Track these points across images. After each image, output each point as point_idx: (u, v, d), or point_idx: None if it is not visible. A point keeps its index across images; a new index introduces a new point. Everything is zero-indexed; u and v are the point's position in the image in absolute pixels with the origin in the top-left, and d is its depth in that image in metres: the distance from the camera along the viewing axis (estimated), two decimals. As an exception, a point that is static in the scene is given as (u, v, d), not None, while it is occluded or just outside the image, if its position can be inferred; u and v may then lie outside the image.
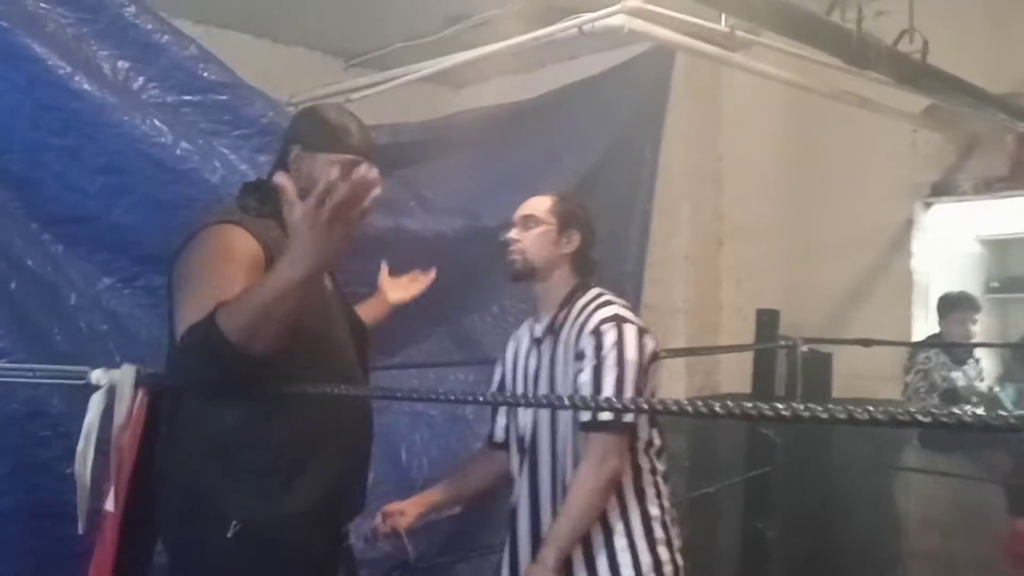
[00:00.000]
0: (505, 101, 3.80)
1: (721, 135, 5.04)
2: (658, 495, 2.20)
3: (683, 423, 4.59)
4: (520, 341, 2.41)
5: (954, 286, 4.77)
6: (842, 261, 4.60)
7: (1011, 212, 4.99)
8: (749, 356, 4.53)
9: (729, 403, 1.21)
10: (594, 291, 2.27)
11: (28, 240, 2.31)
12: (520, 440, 2.29)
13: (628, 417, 2.06)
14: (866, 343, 3.85)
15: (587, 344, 2.11)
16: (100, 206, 2.37)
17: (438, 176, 3.26)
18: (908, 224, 4.60)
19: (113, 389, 1.78)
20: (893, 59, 3.04)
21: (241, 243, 1.81)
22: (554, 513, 2.14)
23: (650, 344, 2.15)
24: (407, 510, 2.35)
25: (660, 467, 2.23)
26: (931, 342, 4.29)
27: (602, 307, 2.18)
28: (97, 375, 1.81)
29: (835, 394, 4.26)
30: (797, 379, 3.95)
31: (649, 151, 4.11)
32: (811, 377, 3.98)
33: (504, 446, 2.40)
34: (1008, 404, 4.51)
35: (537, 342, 2.29)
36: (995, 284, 6.25)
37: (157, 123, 2.35)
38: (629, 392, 2.04)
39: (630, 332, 2.10)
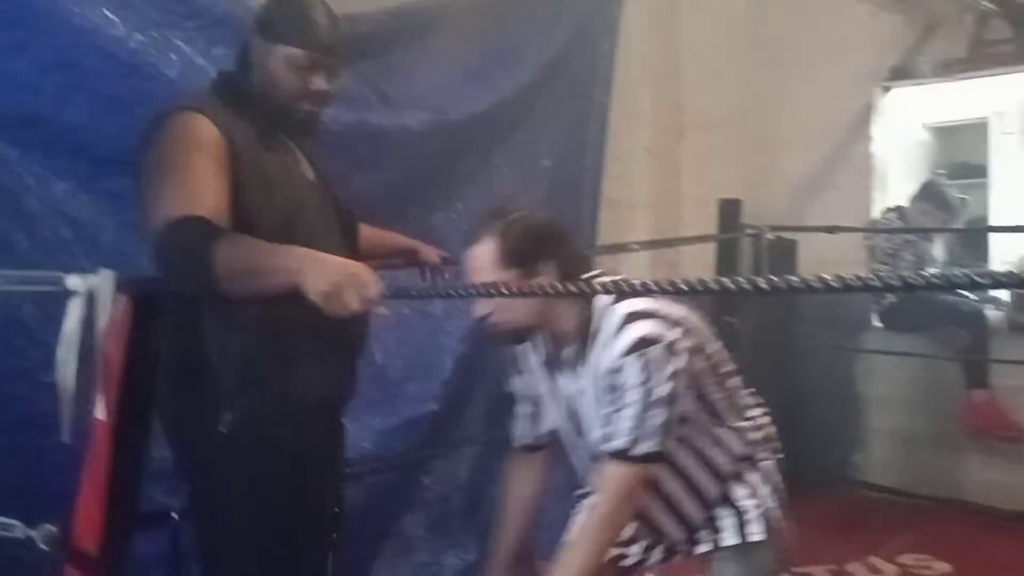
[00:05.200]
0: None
1: (680, 26, 4.96)
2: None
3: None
4: (538, 364, 2.02)
5: (906, 173, 4.82)
6: (803, 148, 4.61)
7: (963, 98, 5.02)
8: (712, 247, 4.55)
9: (699, 278, 1.19)
10: (612, 308, 1.83)
11: (-19, 144, 2.20)
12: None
13: (646, 448, 1.78)
14: (831, 230, 3.89)
15: (612, 380, 1.80)
16: (52, 106, 2.26)
17: (399, 69, 3.16)
18: (868, 109, 4.62)
19: (92, 295, 1.73)
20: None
21: (204, 130, 1.77)
22: None
23: (681, 350, 1.79)
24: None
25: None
26: (893, 228, 4.32)
27: (623, 329, 1.79)
28: (74, 281, 1.75)
29: (799, 281, 4.32)
30: (762, 268, 3.98)
31: (606, 43, 4.04)
32: (776, 265, 4.02)
33: (539, 447, 2.11)
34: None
35: (564, 366, 1.94)
36: (941, 171, 6.35)
37: (108, 14, 2.23)
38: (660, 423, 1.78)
39: (655, 356, 1.76)
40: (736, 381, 2.00)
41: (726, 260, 4.18)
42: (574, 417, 1.94)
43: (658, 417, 1.76)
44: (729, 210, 4.54)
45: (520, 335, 1.92)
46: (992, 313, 4.45)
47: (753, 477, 1.99)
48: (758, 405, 2.08)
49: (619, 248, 4.02)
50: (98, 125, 2.28)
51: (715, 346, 1.95)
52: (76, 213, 2.33)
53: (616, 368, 1.77)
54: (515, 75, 3.55)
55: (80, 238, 2.32)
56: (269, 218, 1.80)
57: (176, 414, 1.85)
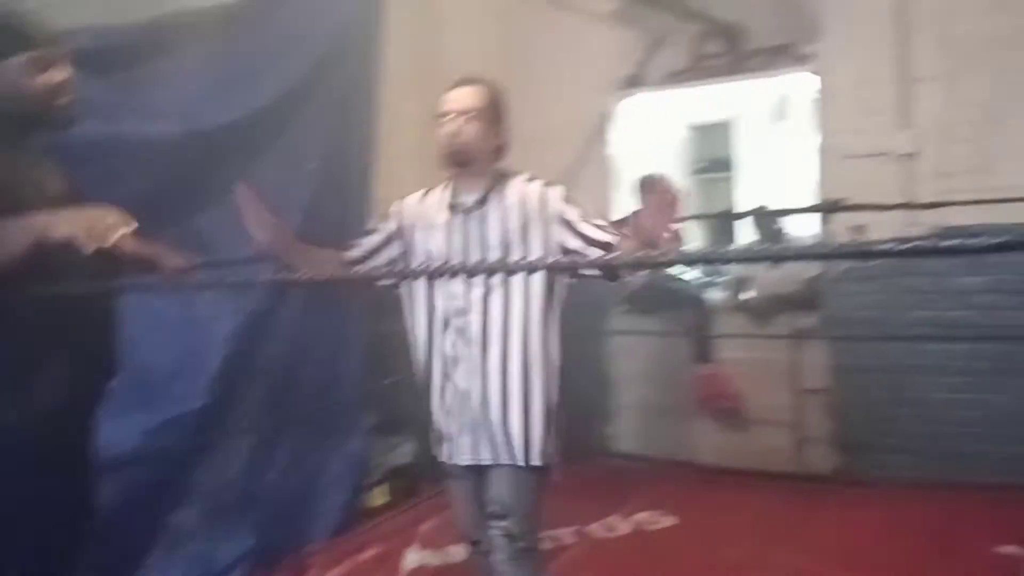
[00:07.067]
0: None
1: (441, 35, 5.27)
2: None
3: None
4: (430, 211, 2.53)
5: (660, 169, 5.33)
6: (552, 151, 4.97)
7: (707, 99, 5.62)
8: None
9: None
10: (520, 174, 2.48)
11: None
12: (457, 310, 2.42)
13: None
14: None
15: (558, 206, 2.39)
16: None
17: (153, 80, 3.26)
18: (607, 114, 5.09)
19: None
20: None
21: None
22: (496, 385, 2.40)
23: None
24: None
25: None
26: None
27: (535, 181, 2.45)
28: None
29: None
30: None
31: (370, 50, 4.21)
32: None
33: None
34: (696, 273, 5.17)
35: (465, 212, 2.44)
36: (701, 164, 7.04)
37: None
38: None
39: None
40: None
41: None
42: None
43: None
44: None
45: (464, 163, 2.43)
46: (716, 294, 5.04)
47: None
48: None
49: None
50: None
51: None
52: None
53: (557, 197, 2.40)
54: (273, 83, 3.67)
55: None
56: None
57: None
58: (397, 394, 4.89)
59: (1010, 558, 3.38)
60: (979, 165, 4.25)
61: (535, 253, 2.38)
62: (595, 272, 2.34)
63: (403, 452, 4.76)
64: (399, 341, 4.75)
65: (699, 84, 4.87)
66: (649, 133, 5.57)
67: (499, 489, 2.42)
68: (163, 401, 3.32)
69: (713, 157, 7.00)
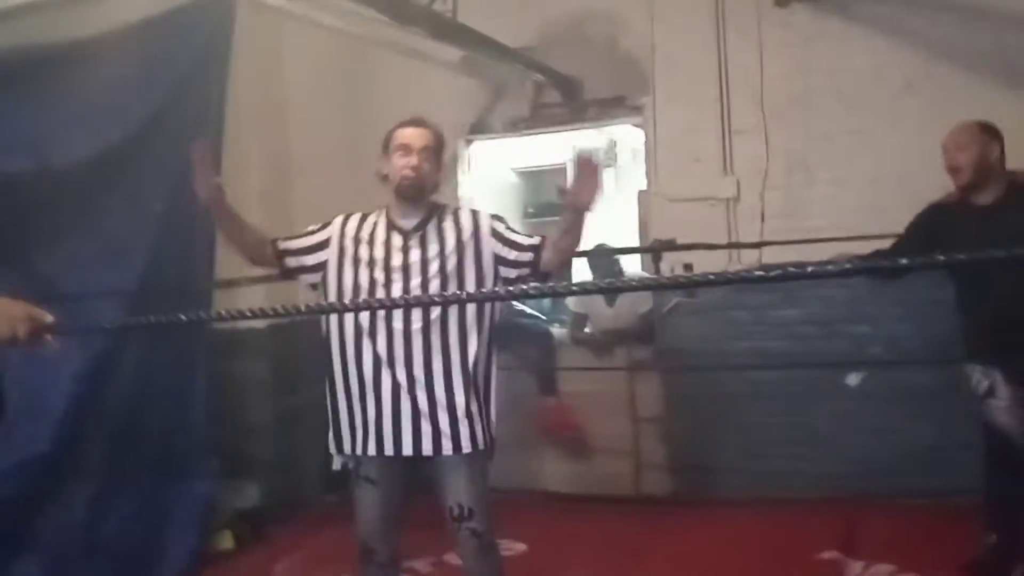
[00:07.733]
0: (65, 36, 3.70)
1: (284, 79, 5.32)
2: None
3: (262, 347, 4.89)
4: (373, 229, 2.72)
5: (495, 210, 5.54)
6: (403, 191, 5.13)
7: (540, 147, 5.90)
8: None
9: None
10: (450, 204, 2.82)
11: None
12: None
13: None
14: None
15: (489, 222, 2.71)
16: None
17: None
18: (454, 158, 5.28)
19: None
20: (428, 16, 3.55)
21: None
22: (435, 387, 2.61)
23: None
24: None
25: None
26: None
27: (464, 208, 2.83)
28: None
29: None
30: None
31: (215, 92, 4.23)
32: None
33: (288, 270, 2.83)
34: (544, 307, 5.41)
35: (405, 234, 2.67)
36: (531, 209, 7.31)
37: None
38: None
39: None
40: None
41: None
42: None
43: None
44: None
45: (417, 194, 2.67)
46: (557, 330, 5.27)
47: None
48: None
49: (235, 283, 4.28)
50: None
51: None
52: None
53: (492, 222, 2.72)
54: (121, 122, 3.65)
55: None
56: None
57: None
58: (243, 436, 4.85)
59: (832, 562, 3.73)
60: (791, 208, 4.70)
61: (469, 268, 2.65)
62: (525, 271, 2.66)
63: (249, 495, 4.72)
64: (245, 382, 4.77)
65: (539, 132, 5.13)
66: (495, 176, 5.80)
67: (456, 489, 2.66)
68: (4, 446, 3.19)
69: (551, 201, 7.31)
